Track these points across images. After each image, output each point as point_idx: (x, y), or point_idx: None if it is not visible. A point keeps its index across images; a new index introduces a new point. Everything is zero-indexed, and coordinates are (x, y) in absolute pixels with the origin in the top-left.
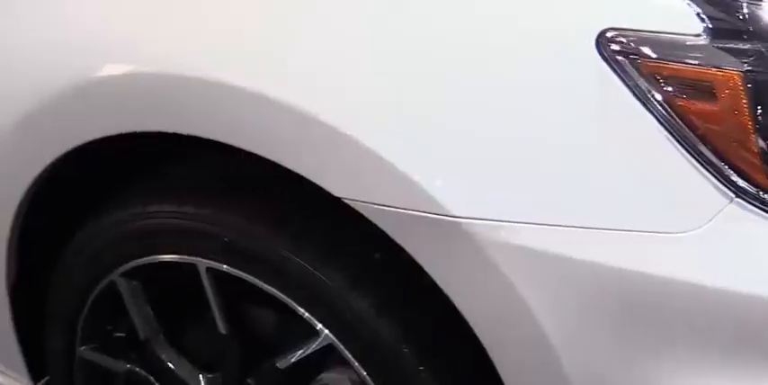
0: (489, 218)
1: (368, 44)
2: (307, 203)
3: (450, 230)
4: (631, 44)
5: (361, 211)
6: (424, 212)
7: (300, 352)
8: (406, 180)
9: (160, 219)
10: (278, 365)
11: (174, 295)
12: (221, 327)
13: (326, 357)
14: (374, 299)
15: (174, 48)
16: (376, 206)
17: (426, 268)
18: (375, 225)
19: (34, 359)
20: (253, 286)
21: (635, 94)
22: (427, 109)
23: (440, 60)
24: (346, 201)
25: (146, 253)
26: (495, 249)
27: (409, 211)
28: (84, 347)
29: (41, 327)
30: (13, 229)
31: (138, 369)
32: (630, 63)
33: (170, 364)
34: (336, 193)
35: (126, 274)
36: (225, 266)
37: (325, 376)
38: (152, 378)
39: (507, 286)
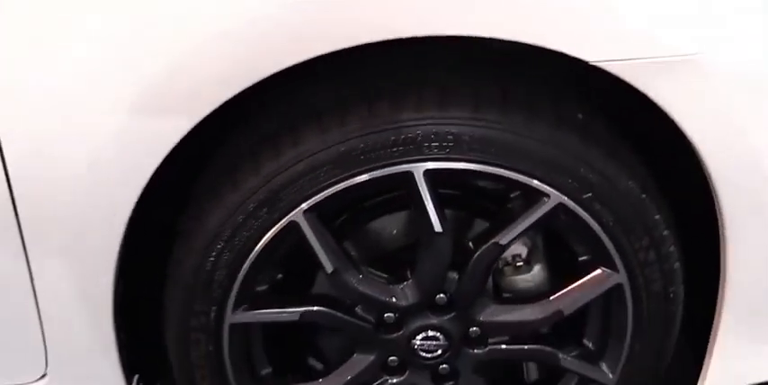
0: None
1: None
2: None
3: (684, 65)
4: None
5: (609, 70)
6: (664, 56)
7: (526, 222)
8: (648, 33)
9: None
10: (500, 242)
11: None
12: (436, 226)
13: None
14: (604, 150)
15: None
16: (624, 61)
17: (664, 106)
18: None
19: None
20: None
21: None
22: None
23: None
24: (596, 63)
25: (351, 175)
26: (725, 78)
27: (651, 59)
28: (236, 312)
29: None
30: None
31: (316, 308)
32: None
33: (363, 287)
34: (589, 59)
35: (309, 210)
36: (450, 164)
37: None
38: (336, 311)
39: (731, 109)
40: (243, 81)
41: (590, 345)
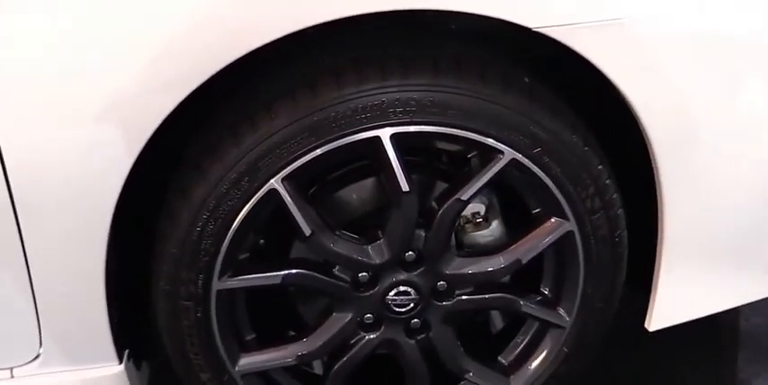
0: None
1: None
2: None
3: (615, 29)
4: None
5: (550, 34)
6: (598, 21)
7: (485, 178)
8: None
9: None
10: (462, 198)
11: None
12: (403, 186)
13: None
14: (548, 109)
15: None
16: (561, 26)
17: (601, 66)
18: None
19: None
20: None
21: None
22: None
23: None
24: (537, 29)
25: (324, 142)
26: (652, 39)
27: (589, 23)
28: (222, 279)
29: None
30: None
31: (296, 271)
32: None
33: (339, 248)
34: (530, 25)
35: (287, 178)
36: (413, 128)
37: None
38: (314, 273)
39: (660, 67)
40: (228, 56)
41: (547, 292)
